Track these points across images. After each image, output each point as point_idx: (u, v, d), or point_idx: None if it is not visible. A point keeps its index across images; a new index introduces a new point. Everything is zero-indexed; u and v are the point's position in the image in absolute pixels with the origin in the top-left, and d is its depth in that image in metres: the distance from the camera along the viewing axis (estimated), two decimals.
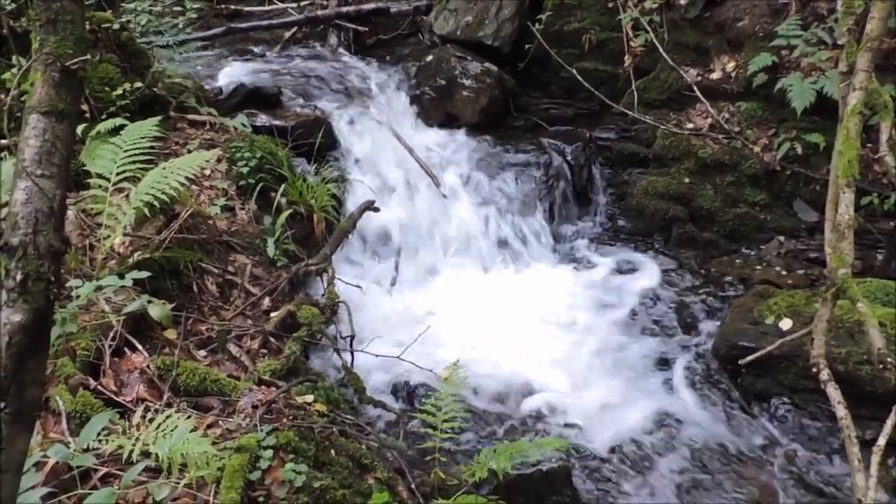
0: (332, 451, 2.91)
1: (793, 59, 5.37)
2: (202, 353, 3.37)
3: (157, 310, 3.03)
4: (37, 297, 1.30)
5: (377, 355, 3.82)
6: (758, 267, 5.12)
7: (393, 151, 5.56)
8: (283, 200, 4.43)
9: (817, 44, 5.17)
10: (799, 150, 5.23)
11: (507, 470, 2.98)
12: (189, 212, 3.86)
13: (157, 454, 2.44)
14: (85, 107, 4.22)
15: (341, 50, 6.84)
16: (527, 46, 6.20)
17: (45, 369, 1.39)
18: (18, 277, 1.29)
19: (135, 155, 3.64)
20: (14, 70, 4.08)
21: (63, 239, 1.33)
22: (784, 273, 4.98)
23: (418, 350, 3.86)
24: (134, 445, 2.47)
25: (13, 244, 1.31)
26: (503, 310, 4.80)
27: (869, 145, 4.75)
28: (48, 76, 1.37)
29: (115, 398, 2.88)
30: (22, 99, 1.44)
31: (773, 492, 3.63)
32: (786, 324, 4.09)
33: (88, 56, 1.41)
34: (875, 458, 1.99)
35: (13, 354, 1.27)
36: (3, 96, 4.05)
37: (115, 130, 3.90)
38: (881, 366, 2.11)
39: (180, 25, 5.41)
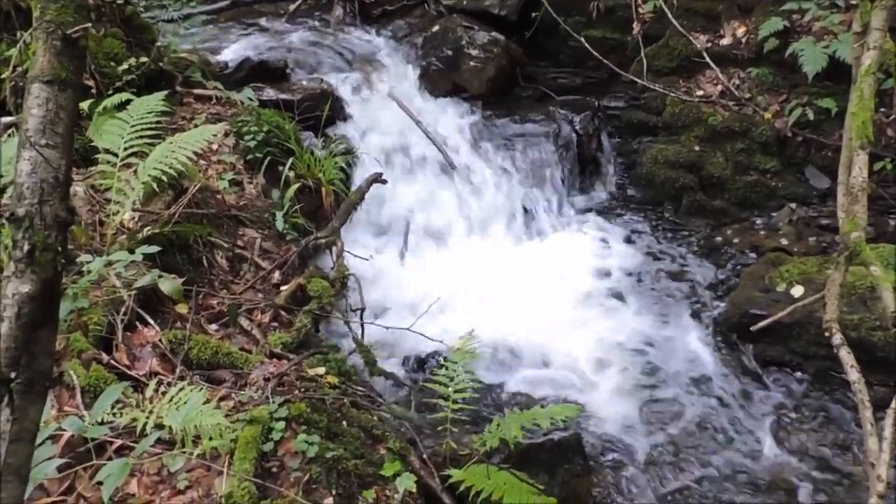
0: (344, 422, 2.93)
1: (804, 23, 5.29)
2: (213, 326, 3.38)
3: (168, 284, 3.04)
4: (45, 268, 1.30)
5: (388, 327, 3.83)
6: (767, 233, 5.09)
7: (400, 123, 5.53)
8: (291, 174, 4.41)
9: (829, 7, 5.11)
10: (811, 115, 5.17)
11: (518, 439, 2.99)
12: (197, 186, 3.86)
13: (170, 426, 2.46)
14: (91, 82, 4.20)
15: (347, 21, 6.78)
16: (534, 15, 6.11)
17: (56, 339, 1.39)
18: (25, 248, 1.29)
19: (142, 130, 3.64)
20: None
21: (69, 209, 1.33)
22: (795, 240, 4.95)
23: (428, 321, 3.87)
24: (148, 418, 2.49)
25: (19, 215, 1.30)
26: (513, 279, 4.79)
27: (882, 109, 4.70)
28: (49, 45, 1.36)
29: (128, 372, 2.90)
30: (27, 74, 1.42)
31: (784, 458, 3.63)
32: (797, 291, 4.07)
33: (89, 24, 1.39)
34: (888, 422, 1.98)
35: (23, 325, 1.28)
36: (9, 72, 4.04)
37: (122, 106, 3.89)
38: (894, 329, 2.09)
39: None
